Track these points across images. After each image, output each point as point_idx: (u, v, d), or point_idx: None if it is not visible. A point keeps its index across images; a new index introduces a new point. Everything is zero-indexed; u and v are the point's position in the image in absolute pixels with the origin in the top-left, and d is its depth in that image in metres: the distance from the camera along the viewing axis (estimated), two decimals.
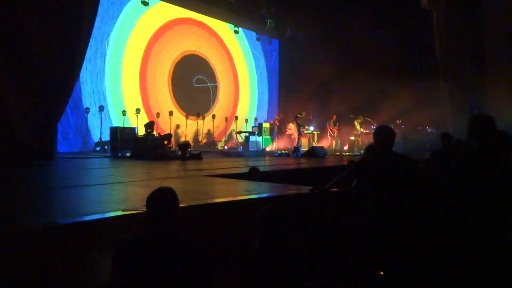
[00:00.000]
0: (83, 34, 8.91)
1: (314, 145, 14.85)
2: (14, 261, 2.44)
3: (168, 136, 12.20)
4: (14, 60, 7.61)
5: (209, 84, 17.34)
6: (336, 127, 15.46)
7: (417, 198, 3.60)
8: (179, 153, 11.32)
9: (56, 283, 2.57)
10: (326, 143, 15.77)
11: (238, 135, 16.25)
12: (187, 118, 15.60)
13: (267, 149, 14.80)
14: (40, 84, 8.13)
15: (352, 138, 15.44)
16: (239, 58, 18.85)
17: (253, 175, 6.65)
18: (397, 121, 15.06)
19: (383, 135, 3.65)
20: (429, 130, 15.95)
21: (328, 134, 15.56)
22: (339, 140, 15.91)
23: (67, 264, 2.63)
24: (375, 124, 13.72)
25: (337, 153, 14.72)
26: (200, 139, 16.30)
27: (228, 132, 17.63)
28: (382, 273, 3.45)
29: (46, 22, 7.99)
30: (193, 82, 16.65)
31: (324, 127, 16.14)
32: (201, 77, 17.00)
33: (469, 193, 3.09)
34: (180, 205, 2.64)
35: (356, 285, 3.57)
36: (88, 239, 2.79)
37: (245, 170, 7.26)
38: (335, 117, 15.42)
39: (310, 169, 8.93)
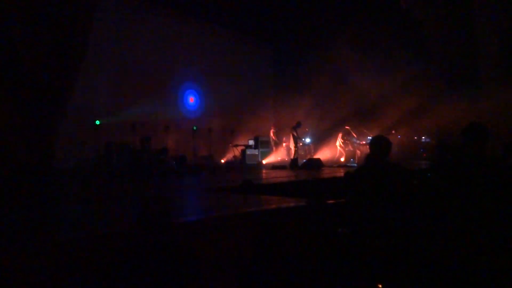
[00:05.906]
0: (77, 49, 8.91)
1: (310, 157, 14.81)
2: None
3: (164, 151, 12.15)
4: (5, 77, 7.60)
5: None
6: (348, 139, 15.11)
7: (413, 207, 3.59)
8: (176, 167, 11.28)
9: None
10: (333, 154, 15.58)
11: (234, 148, 16.24)
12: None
13: (264, 161, 14.75)
14: (33, 100, 8.11)
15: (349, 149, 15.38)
16: (232, 68, 18.88)
17: (247, 188, 6.58)
18: (392, 132, 15.08)
19: (379, 145, 3.67)
20: (424, 140, 16.00)
21: (339, 145, 15.14)
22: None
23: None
24: (371, 135, 13.70)
25: (335, 165, 14.67)
26: (196, 153, 16.25)
27: (224, 145, 17.59)
28: (380, 286, 3.41)
29: (37, 37, 8.00)
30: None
31: (322, 139, 16.09)
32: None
33: (465, 200, 3.09)
34: (179, 221, 2.63)
35: None
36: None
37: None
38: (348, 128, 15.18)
39: (307, 181, 8.90)
